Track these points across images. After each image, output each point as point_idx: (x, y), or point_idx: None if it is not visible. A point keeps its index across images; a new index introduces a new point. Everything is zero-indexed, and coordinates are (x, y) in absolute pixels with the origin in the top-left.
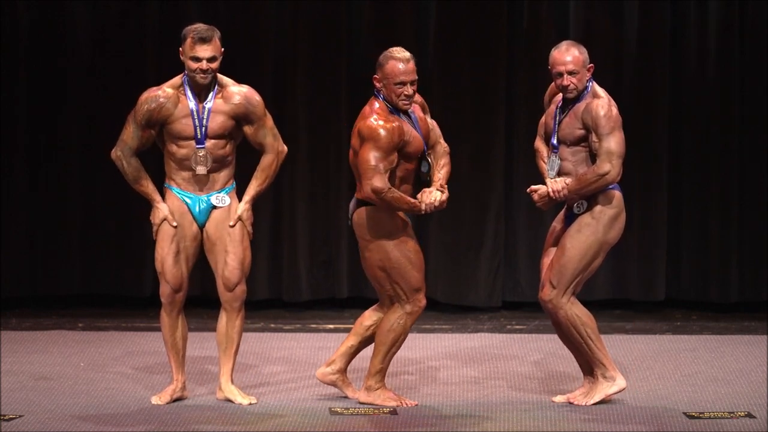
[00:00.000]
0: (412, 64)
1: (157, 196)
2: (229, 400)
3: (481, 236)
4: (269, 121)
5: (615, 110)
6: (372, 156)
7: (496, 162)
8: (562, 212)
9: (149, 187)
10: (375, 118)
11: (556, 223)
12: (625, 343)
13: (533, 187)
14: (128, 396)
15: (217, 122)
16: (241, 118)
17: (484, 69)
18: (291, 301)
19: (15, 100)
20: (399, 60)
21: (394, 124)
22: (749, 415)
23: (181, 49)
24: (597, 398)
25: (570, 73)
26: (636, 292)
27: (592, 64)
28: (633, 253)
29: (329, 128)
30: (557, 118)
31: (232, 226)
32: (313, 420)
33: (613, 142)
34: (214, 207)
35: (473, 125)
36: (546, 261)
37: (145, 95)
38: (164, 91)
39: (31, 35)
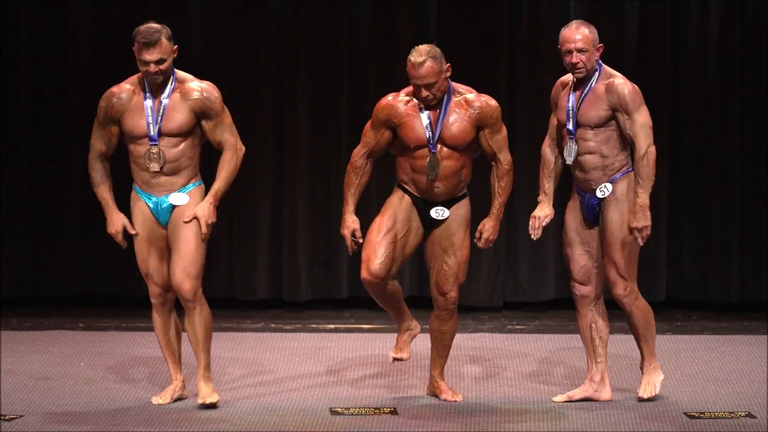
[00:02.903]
0: (423, 70)
1: (109, 206)
2: (203, 402)
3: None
4: (227, 117)
5: (635, 85)
6: (366, 126)
7: None
8: (573, 202)
9: (105, 196)
10: (389, 95)
11: (572, 214)
12: (626, 343)
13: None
14: (128, 396)
15: (172, 119)
16: (199, 113)
17: (485, 69)
18: (291, 301)
19: (16, 101)
20: (411, 64)
21: (386, 102)
22: (750, 415)
23: (133, 48)
24: (657, 388)
25: (579, 50)
26: None
27: (601, 44)
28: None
29: (330, 128)
30: (571, 103)
31: (187, 222)
32: (313, 420)
33: (645, 116)
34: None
35: None
36: (571, 252)
37: (105, 93)
38: (121, 87)
39: (32, 35)
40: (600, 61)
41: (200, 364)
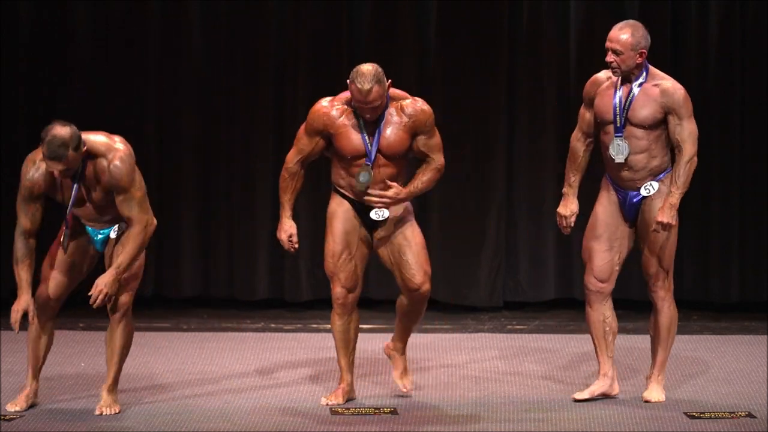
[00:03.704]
0: (371, 96)
1: (22, 286)
2: (101, 413)
3: (482, 236)
4: (138, 191)
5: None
6: (300, 129)
7: (497, 161)
8: (607, 198)
9: (21, 275)
10: (324, 100)
11: (605, 211)
12: (627, 342)
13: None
14: (128, 396)
15: (89, 198)
16: (110, 190)
17: (485, 69)
18: (291, 301)
19: (16, 101)
20: (358, 90)
21: (322, 110)
22: (750, 415)
23: None
24: (663, 396)
25: (614, 51)
26: (637, 291)
27: (644, 50)
28: (634, 253)
29: None
30: (618, 100)
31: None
32: (313, 420)
33: (694, 124)
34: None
35: (474, 124)
36: (596, 247)
37: (24, 166)
38: (37, 163)
39: (32, 35)
40: (647, 63)
41: (109, 376)
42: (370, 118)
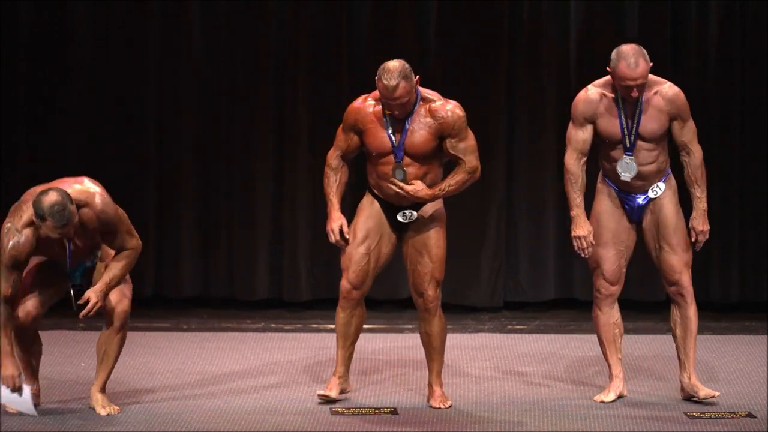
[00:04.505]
0: (398, 92)
1: (7, 354)
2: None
3: (482, 236)
4: (124, 224)
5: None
6: (340, 127)
7: (497, 161)
8: (610, 203)
9: (5, 342)
10: (360, 97)
11: (610, 216)
12: (627, 342)
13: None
14: (128, 396)
15: (77, 247)
16: (98, 232)
17: (485, 69)
18: (291, 301)
19: (16, 101)
20: (384, 86)
21: (355, 106)
22: (750, 415)
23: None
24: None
25: (639, 87)
26: (637, 292)
27: (651, 63)
28: (634, 253)
29: (330, 129)
30: (624, 119)
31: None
32: (313, 420)
33: (692, 121)
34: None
35: (474, 125)
36: (605, 253)
37: (4, 236)
38: (19, 230)
39: (32, 35)
40: None
41: (103, 378)
42: (398, 115)
